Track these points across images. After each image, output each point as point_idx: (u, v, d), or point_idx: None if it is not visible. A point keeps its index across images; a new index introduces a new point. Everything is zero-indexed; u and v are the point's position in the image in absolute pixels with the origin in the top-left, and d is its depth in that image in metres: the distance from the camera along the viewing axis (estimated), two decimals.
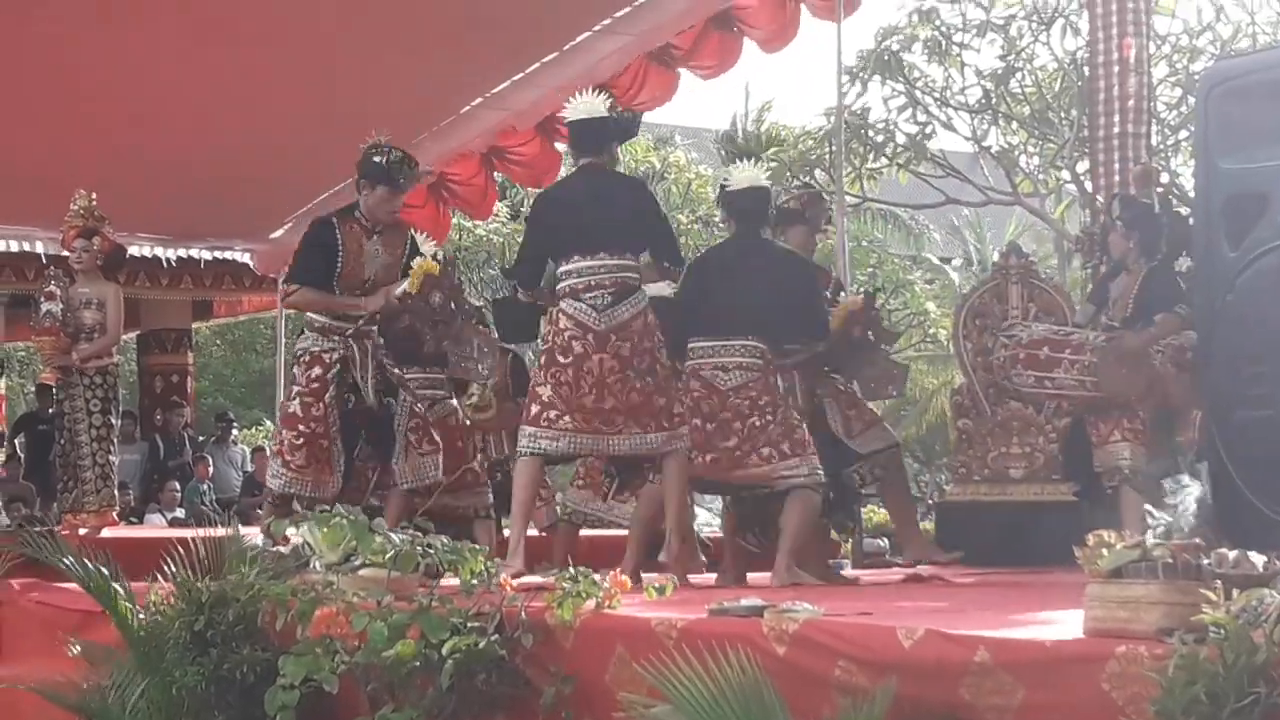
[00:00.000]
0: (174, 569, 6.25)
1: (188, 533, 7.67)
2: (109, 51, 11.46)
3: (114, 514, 9.55)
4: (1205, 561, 4.20)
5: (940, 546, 8.90)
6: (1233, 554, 4.18)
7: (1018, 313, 9.86)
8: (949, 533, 9.90)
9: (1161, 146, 13.30)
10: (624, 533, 8.15)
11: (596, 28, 12.18)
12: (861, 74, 16.17)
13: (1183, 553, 4.22)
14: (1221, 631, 3.78)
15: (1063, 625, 4.57)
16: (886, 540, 13.14)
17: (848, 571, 9.13)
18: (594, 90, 7.64)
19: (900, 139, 17.33)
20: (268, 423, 24.72)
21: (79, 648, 6.45)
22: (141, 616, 6.24)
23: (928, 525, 10.97)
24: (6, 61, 11.41)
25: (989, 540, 9.32)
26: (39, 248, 14.66)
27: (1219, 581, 4.05)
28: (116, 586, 6.33)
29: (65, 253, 10.57)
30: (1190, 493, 4.38)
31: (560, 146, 13.56)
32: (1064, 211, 18.70)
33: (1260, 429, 6.33)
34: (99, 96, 12.06)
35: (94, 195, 10.14)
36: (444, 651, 5.22)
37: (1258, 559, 4.16)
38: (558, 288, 7.32)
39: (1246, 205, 6.50)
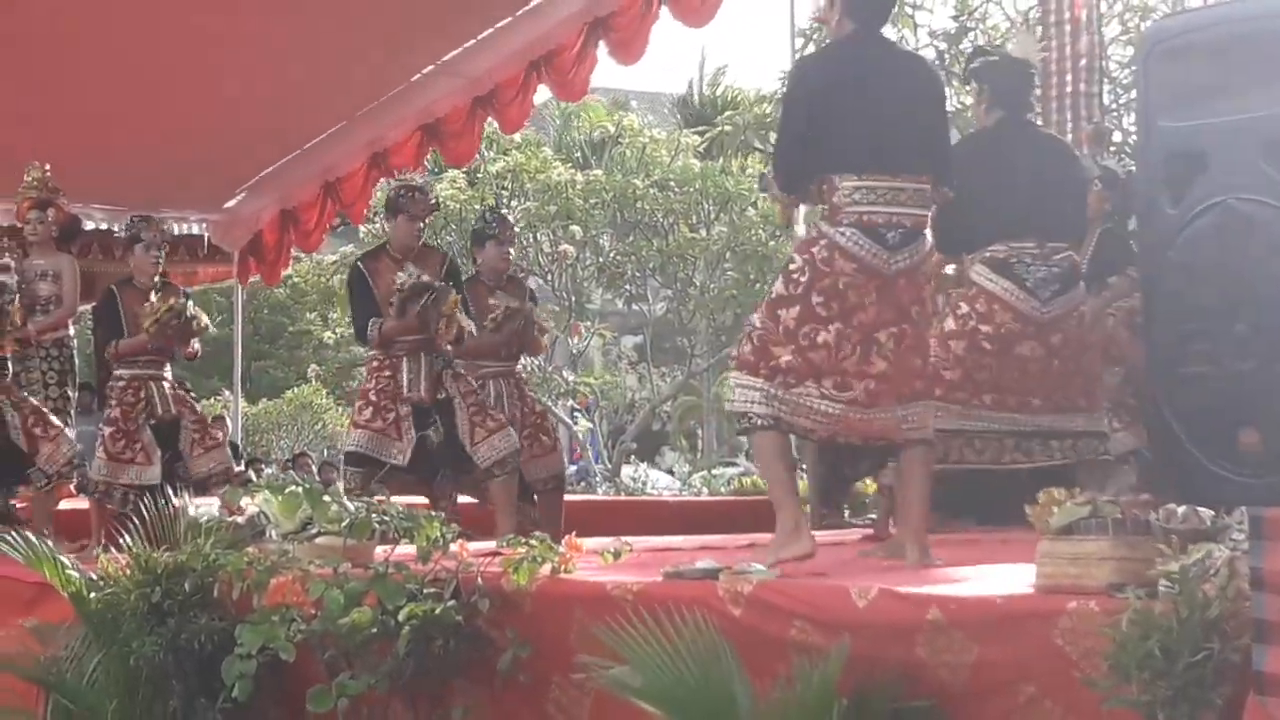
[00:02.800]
0: (128, 539, 6.24)
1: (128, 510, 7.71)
2: (61, 22, 11.38)
3: (71, 485, 9.50)
4: (1154, 517, 4.24)
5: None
6: (1180, 509, 4.22)
7: None
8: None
9: (1114, 105, 13.33)
10: None
11: None
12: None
13: (1132, 509, 4.26)
14: (1174, 586, 3.81)
15: (1015, 582, 4.60)
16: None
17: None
18: None
19: None
20: (226, 393, 24.66)
21: (31, 624, 6.42)
22: (96, 590, 6.22)
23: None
24: None
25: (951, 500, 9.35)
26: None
27: (1169, 536, 4.09)
28: (64, 559, 6.31)
29: (19, 224, 10.52)
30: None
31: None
32: None
33: (1203, 384, 6.36)
34: (52, 67, 11.97)
35: (48, 167, 10.08)
36: (400, 618, 5.23)
37: (1205, 514, 4.19)
38: (833, 206, 5.80)
39: (1186, 163, 6.53)
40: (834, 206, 5.77)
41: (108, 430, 9.11)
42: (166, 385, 9.34)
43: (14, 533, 6.52)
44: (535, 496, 9.35)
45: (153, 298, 9.02)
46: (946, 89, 13.90)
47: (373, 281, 8.69)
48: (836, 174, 5.77)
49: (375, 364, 8.73)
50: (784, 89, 6.07)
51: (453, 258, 9.11)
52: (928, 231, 5.85)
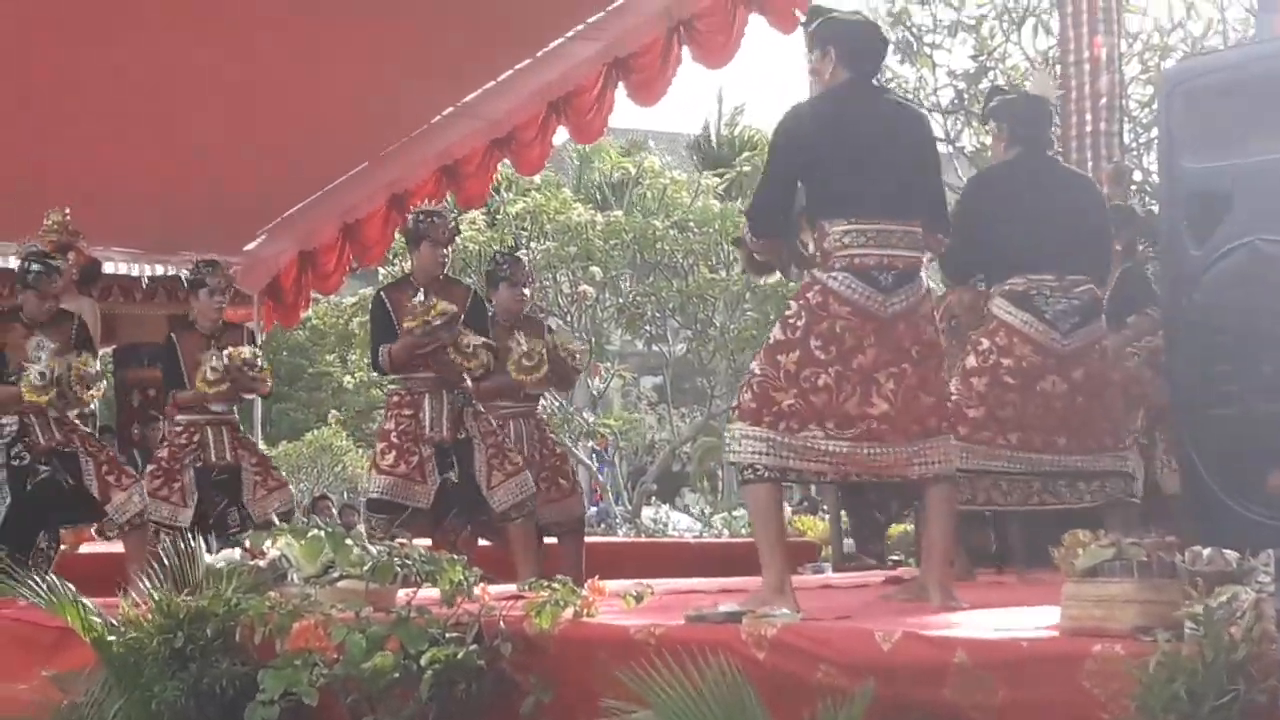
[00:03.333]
0: (149, 584, 6.23)
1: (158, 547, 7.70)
2: (81, 66, 11.43)
3: (91, 529, 9.52)
4: (1179, 559, 4.22)
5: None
6: (1206, 552, 4.20)
7: None
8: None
9: (1134, 144, 13.33)
10: None
11: (569, 34, 12.17)
12: None
13: (1157, 551, 4.24)
14: (1200, 628, 3.80)
15: (1040, 624, 4.58)
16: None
17: (828, 574, 9.13)
18: None
19: None
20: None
21: (51, 674, 6.40)
22: (118, 634, 6.21)
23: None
24: None
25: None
26: (12, 263, 14.58)
27: (1195, 579, 4.07)
28: (85, 603, 6.31)
29: None
30: None
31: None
32: None
33: (1228, 426, 6.35)
34: (72, 110, 12.02)
35: (68, 210, 10.12)
36: (423, 662, 5.21)
37: (1231, 556, 4.17)
38: (824, 252, 5.83)
39: (1210, 204, 6.53)
40: (825, 251, 5.81)
41: (150, 468, 9.23)
42: (225, 430, 9.39)
43: (37, 577, 6.50)
44: (555, 539, 9.31)
45: (213, 362, 9.01)
46: (965, 129, 13.89)
47: (394, 311, 8.55)
48: (827, 219, 5.82)
49: (395, 400, 8.61)
50: (774, 132, 6.10)
51: (476, 291, 9.05)
52: (923, 273, 5.89)
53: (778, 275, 7.09)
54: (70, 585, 6.43)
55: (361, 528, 8.48)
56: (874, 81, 6.22)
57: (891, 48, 14.70)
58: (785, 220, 5.96)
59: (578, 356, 9.55)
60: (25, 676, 6.63)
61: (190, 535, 7.15)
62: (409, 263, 9.14)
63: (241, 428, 9.93)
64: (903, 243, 5.80)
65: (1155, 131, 13.50)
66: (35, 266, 8.86)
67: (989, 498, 6.93)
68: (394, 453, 8.40)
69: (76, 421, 8.95)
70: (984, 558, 8.62)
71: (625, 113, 13.26)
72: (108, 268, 14.18)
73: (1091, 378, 6.94)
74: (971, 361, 7.06)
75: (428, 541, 8.47)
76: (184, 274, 10.69)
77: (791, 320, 5.81)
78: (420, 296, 8.39)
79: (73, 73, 11.51)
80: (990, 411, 6.89)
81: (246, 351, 9.11)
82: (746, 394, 5.81)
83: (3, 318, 9.02)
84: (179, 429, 9.35)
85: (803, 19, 6.38)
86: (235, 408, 9.61)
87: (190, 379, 9.18)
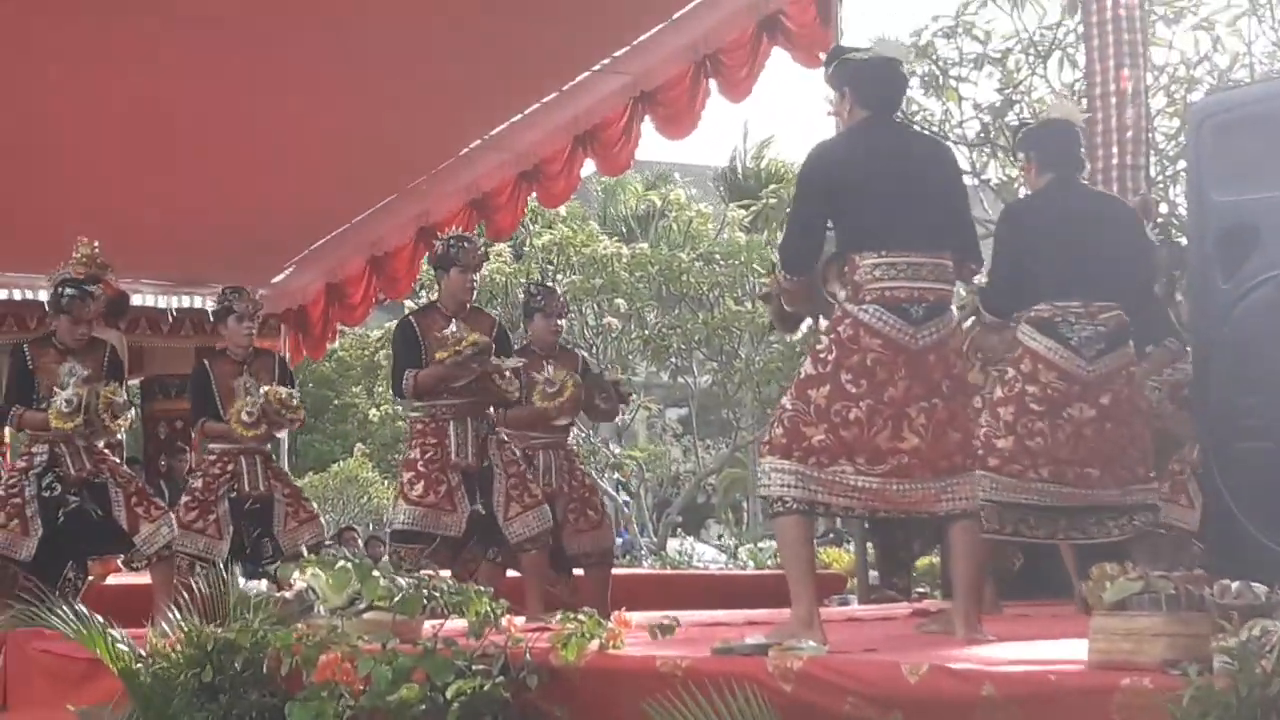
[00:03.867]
0: (178, 615, 6.24)
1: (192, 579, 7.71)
2: (109, 97, 11.49)
3: (118, 560, 9.52)
4: (1208, 593, 4.21)
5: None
6: (1235, 585, 4.18)
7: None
8: None
9: (1160, 177, 13.30)
10: None
11: (596, 68, 12.21)
12: None
13: (1185, 584, 4.23)
14: (1234, 662, 3.78)
15: (1067, 658, 4.57)
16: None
17: (853, 606, 9.11)
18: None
19: None
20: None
21: (79, 709, 6.40)
22: (146, 666, 6.21)
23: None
24: (5, 106, 11.44)
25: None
26: (42, 295, 14.66)
27: (1226, 612, 4.06)
28: (114, 633, 6.32)
29: None
30: None
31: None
32: None
33: (1258, 460, 6.34)
34: (99, 142, 12.09)
35: (97, 243, 10.15)
36: (449, 694, 5.21)
37: (1259, 590, 4.16)
38: (854, 285, 5.83)
39: (1239, 237, 6.52)
40: (856, 285, 5.81)
41: (185, 499, 9.29)
42: (259, 460, 9.45)
43: (66, 607, 6.52)
44: (580, 571, 9.30)
45: (248, 406, 9.09)
46: (991, 161, 13.85)
47: (422, 336, 8.50)
48: (856, 252, 5.83)
49: (419, 428, 8.53)
50: (800, 171, 6.12)
51: (502, 323, 9.03)
52: (953, 307, 5.90)
53: (805, 328, 7.08)
54: (98, 616, 6.44)
55: (387, 559, 8.49)
56: (896, 116, 6.24)
57: (917, 81, 14.74)
58: (815, 257, 5.98)
59: (619, 387, 9.57)
60: (53, 708, 6.65)
61: (224, 566, 7.18)
62: (435, 291, 9.12)
63: (275, 458, 9.98)
64: (933, 275, 5.80)
65: (1181, 164, 13.49)
66: (69, 291, 8.88)
67: (1016, 529, 6.90)
68: (422, 482, 8.35)
69: (106, 451, 8.95)
70: (1009, 582, 8.64)
71: (651, 145, 13.31)
72: (135, 300, 14.20)
73: (1119, 404, 6.87)
74: (999, 392, 7.03)
75: (447, 572, 8.47)
76: (209, 305, 10.73)
77: (822, 355, 5.82)
78: (453, 327, 8.37)
79: (100, 105, 11.58)
80: (1020, 442, 6.84)
81: (284, 392, 9.15)
82: (777, 429, 5.82)
83: (37, 343, 9.03)
84: (212, 458, 9.41)
85: (824, 59, 6.40)
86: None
87: (224, 406, 9.23)
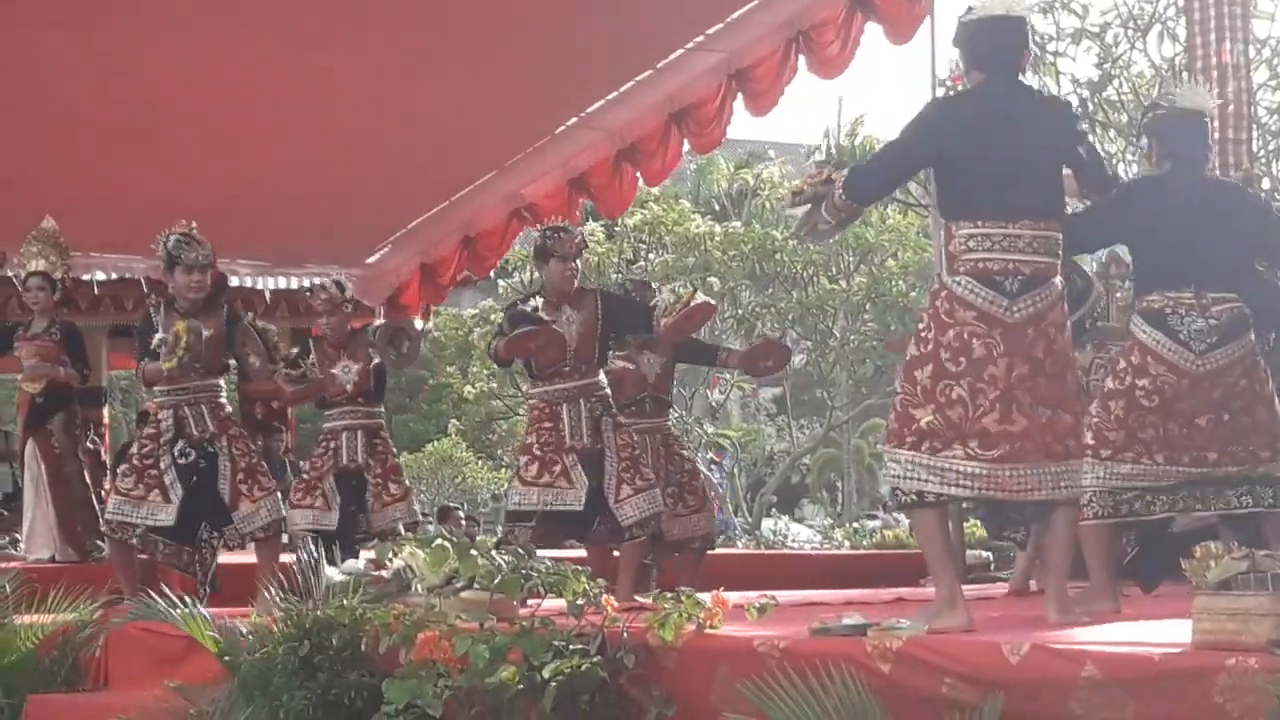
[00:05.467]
0: (276, 594, 6.28)
1: (287, 557, 7.75)
2: (205, 78, 11.56)
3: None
4: None
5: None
6: None
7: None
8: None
9: (1263, 152, 13.14)
10: None
11: (689, 45, 12.17)
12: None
13: None
14: None
15: (1172, 638, 4.52)
16: (989, 553, 13.05)
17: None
18: None
19: None
20: None
21: (177, 684, 6.47)
22: (245, 642, 6.27)
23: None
24: (102, 91, 11.54)
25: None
26: (138, 275, 14.81)
27: None
28: (204, 613, 6.38)
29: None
30: None
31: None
32: None
33: None
34: (196, 123, 12.16)
35: (194, 224, 10.21)
36: (546, 674, 5.21)
37: None
38: (949, 255, 5.78)
39: None
40: (950, 255, 5.75)
41: (294, 481, 9.74)
42: (361, 433, 9.79)
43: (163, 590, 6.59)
44: (676, 555, 9.28)
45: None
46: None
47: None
48: (953, 221, 5.76)
49: (535, 414, 8.52)
50: (913, 117, 5.98)
51: (608, 293, 9.10)
52: (1056, 279, 5.77)
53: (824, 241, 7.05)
54: (187, 598, 6.51)
55: (481, 537, 8.50)
56: (1018, 78, 6.02)
57: None
58: (881, 197, 6.02)
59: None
60: (153, 686, 6.71)
61: (326, 544, 7.26)
62: (528, 274, 9.18)
63: (382, 434, 10.14)
64: (1031, 247, 5.68)
65: None
66: (176, 237, 8.89)
67: (1132, 510, 6.77)
68: (536, 464, 8.31)
69: (232, 418, 9.04)
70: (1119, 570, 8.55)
71: (744, 124, 13.24)
72: (232, 282, 14.29)
73: (1235, 397, 6.68)
74: (1110, 383, 6.88)
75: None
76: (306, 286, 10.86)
77: (922, 333, 5.75)
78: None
79: (195, 86, 11.64)
80: (1131, 434, 6.70)
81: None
82: (891, 415, 5.78)
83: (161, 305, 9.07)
84: (322, 435, 9.86)
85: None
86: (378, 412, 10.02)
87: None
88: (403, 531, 9.46)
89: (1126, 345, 6.87)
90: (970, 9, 5.98)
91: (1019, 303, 5.64)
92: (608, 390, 8.52)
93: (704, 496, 9.49)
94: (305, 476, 9.76)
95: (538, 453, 8.30)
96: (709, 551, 9.52)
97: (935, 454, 5.59)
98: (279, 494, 9.10)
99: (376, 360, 9.97)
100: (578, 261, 8.59)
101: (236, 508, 8.73)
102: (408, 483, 10.29)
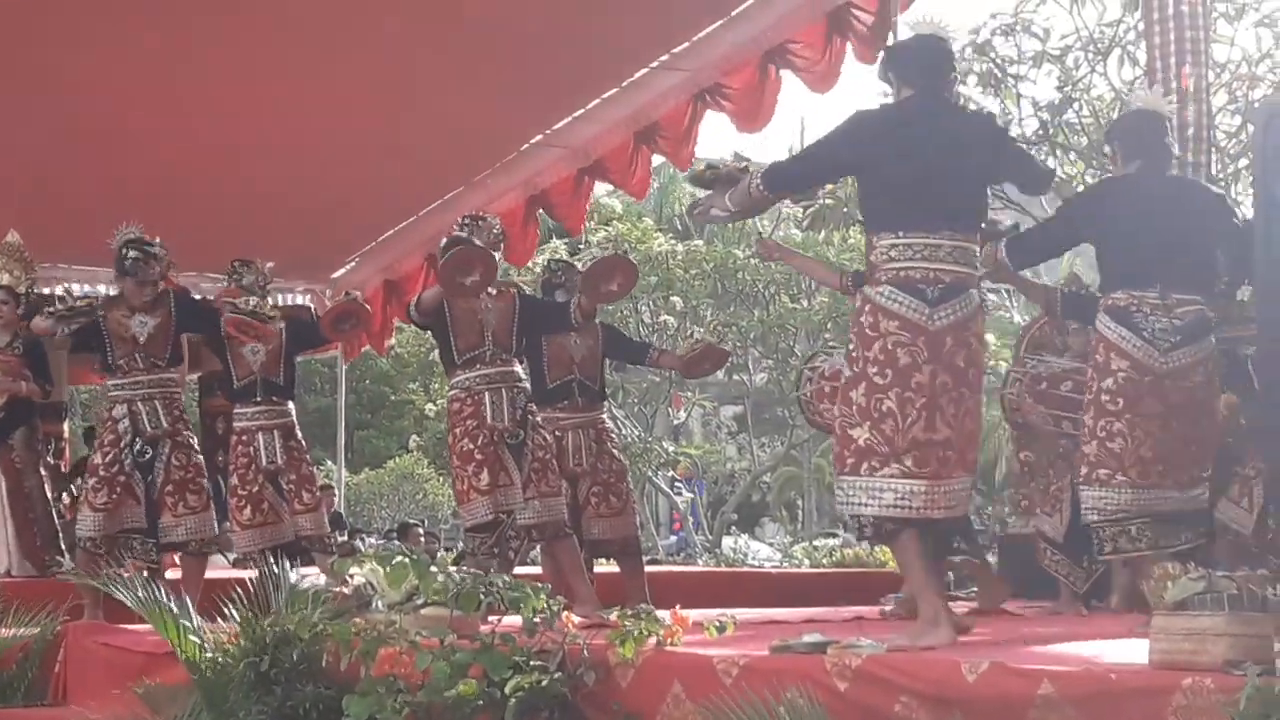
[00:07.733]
0: (235, 609, 6.27)
1: (248, 573, 7.74)
2: (172, 95, 11.54)
3: (175, 555, 9.55)
4: (1270, 593, 4.18)
5: (1003, 580, 8.70)
6: None
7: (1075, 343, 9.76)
8: (1012, 567, 9.85)
9: (1221, 175, 13.21)
10: None
11: (654, 64, 12.18)
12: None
13: (1248, 584, 4.20)
14: None
15: (1128, 658, 4.54)
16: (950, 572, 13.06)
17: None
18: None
19: None
20: (329, 462, 24.81)
21: (143, 689, 6.45)
22: (208, 655, 6.26)
23: (990, 559, 10.86)
24: (62, 100, 11.50)
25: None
26: (101, 289, 14.73)
27: None
28: (186, 623, 6.35)
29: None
30: None
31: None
32: None
33: None
34: (163, 139, 12.14)
35: (158, 240, 10.19)
36: (506, 690, 5.22)
37: None
38: (871, 265, 5.84)
39: None
40: (872, 265, 5.81)
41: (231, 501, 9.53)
42: (276, 434, 9.46)
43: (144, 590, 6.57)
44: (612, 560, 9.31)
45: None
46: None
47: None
48: (876, 233, 5.81)
49: (456, 406, 8.55)
50: (837, 126, 6.03)
51: (526, 295, 9.13)
52: (974, 291, 5.82)
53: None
54: (171, 603, 6.49)
55: (441, 554, 8.49)
56: (944, 95, 6.11)
57: (975, 79, 14.68)
58: (793, 194, 6.40)
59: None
60: (112, 700, 6.69)
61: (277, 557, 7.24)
62: None
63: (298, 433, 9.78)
64: (951, 257, 5.72)
65: (1243, 162, 13.39)
66: (132, 254, 8.95)
67: (1116, 546, 6.74)
68: (486, 470, 8.34)
69: (185, 419, 9.14)
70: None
71: (708, 142, 13.26)
72: (195, 295, 14.24)
73: (1190, 405, 6.69)
74: (1086, 397, 6.89)
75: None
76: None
77: (852, 352, 5.82)
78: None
79: (162, 102, 11.63)
80: (1101, 445, 6.68)
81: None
82: (834, 443, 5.82)
83: (109, 303, 9.19)
84: (232, 439, 9.53)
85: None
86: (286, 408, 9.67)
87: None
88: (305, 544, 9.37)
89: (1092, 344, 6.89)
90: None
91: (940, 310, 5.68)
92: (527, 383, 8.58)
93: (627, 499, 9.42)
94: (241, 493, 9.36)
95: (480, 456, 8.30)
96: (640, 559, 9.51)
97: (874, 474, 5.64)
98: (212, 511, 9.08)
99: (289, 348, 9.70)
100: (496, 253, 8.63)
101: (159, 516, 8.80)
102: (319, 493, 9.98)
